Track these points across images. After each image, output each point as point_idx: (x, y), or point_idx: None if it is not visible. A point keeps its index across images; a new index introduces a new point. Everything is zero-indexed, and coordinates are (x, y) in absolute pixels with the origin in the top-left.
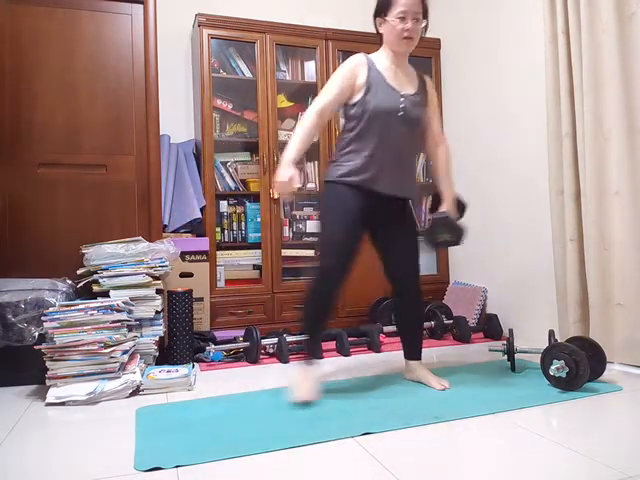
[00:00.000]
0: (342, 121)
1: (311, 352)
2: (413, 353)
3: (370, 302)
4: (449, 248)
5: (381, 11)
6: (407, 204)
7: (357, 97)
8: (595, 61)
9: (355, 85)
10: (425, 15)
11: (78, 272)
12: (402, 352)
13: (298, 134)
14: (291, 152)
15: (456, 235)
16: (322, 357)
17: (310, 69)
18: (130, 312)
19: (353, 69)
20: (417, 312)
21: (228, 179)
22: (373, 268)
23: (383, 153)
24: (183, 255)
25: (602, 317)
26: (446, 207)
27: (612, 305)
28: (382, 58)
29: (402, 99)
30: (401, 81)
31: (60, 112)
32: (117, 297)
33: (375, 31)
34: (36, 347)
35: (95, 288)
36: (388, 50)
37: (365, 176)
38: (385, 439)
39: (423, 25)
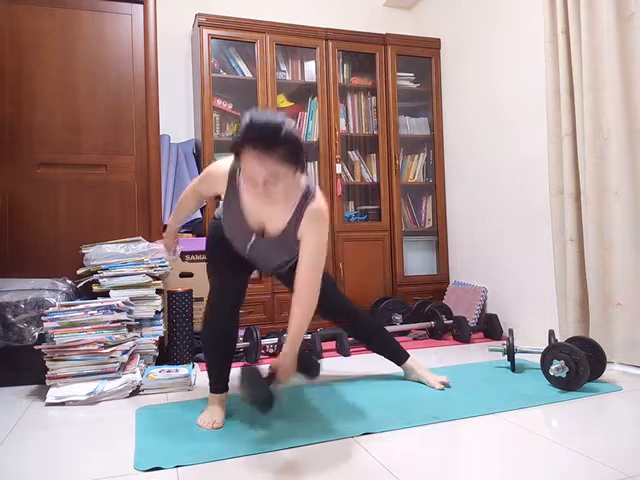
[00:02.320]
0: None
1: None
2: (399, 356)
3: (370, 302)
4: (448, 249)
5: (235, 155)
6: None
7: (220, 202)
8: (595, 61)
9: (216, 191)
10: (295, 164)
11: (78, 272)
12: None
13: (175, 208)
14: (168, 222)
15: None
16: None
17: (310, 69)
18: (130, 312)
19: (212, 179)
20: (368, 324)
21: None
22: (373, 268)
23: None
24: (183, 255)
25: (602, 317)
26: (275, 363)
27: (612, 305)
28: None
29: (253, 239)
30: (266, 214)
31: (60, 112)
32: (117, 297)
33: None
34: (36, 347)
35: (95, 288)
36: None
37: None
38: (385, 439)
39: (283, 183)
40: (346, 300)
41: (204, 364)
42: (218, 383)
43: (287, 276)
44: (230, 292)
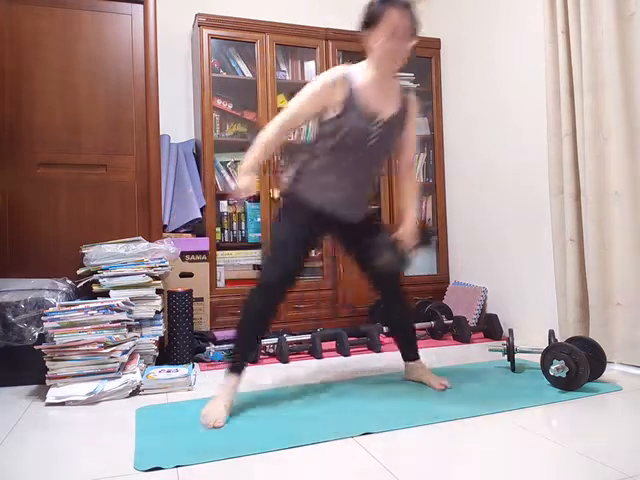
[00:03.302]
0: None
1: (241, 360)
2: (410, 353)
3: (370, 302)
4: (448, 249)
5: (369, 24)
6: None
7: (330, 116)
8: (595, 61)
9: (330, 102)
10: (415, 33)
11: (78, 272)
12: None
13: (258, 143)
14: (249, 160)
15: (394, 264)
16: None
17: (310, 69)
18: (130, 312)
19: (330, 85)
20: (405, 312)
21: (228, 179)
22: None
23: (343, 179)
24: (183, 255)
25: (602, 317)
26: (402, 231)
27: (612, 305)
28: (364, 74)
29: (377, 125)
30: (381, 102)
31: (60, 112)
32: (117, 297)
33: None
34: (36, 347)
35: (95, 288)
36: (373, 66)
37: (318, 198)
38: (385, 439)
39: (412, 44)
40: (399, 283)
41: (205, 364)
42: (245, 358)
43: (359, 248)
44: (290, 272)
